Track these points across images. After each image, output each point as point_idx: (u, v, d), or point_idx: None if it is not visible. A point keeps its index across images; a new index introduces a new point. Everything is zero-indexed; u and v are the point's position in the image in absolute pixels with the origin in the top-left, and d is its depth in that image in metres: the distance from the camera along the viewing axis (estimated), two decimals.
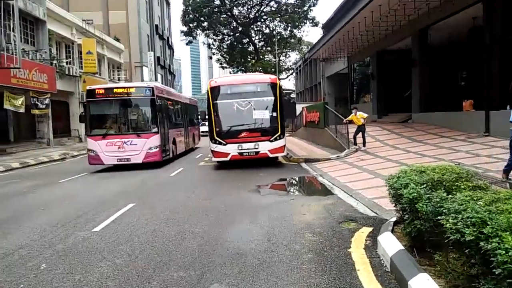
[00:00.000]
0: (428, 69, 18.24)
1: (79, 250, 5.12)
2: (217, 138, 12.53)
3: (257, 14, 45.56)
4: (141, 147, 13.35)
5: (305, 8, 43.77)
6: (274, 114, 12.71)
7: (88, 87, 14.34)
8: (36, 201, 8.83)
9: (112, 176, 12.35)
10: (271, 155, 12.62)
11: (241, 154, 12.47)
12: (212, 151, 12.74)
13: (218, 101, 12.72)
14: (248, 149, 12.44)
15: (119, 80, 38.85)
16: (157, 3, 55.17)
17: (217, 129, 12.62)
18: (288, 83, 70.74)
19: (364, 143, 13.73)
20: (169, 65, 58.74)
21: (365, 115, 14.14)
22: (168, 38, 60.29)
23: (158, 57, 52.31)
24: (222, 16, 45.50)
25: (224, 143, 12.46)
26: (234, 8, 45.25)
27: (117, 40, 39.13)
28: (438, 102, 17.83)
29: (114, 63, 38.13)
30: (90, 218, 6.81)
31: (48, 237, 5.81)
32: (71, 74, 27.08)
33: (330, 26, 25.38)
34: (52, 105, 27.99)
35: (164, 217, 6.60)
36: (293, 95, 56.51)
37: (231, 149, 12.43)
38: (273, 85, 12.88)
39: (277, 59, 46.00)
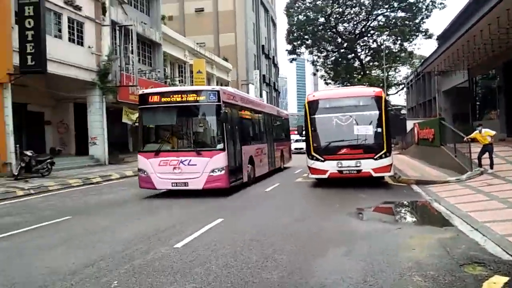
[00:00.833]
0: None
1: (155, 268, 4.76)
2: (315, 154, 11.69)
3: (363, 29, 43.85)
4: (202, 168, 10.15)
5: (417, 21, 40.76)
6: (379, 129, 11.44)
7: (140, 92, 12.01)
8: (134, 210, 9.01)
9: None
10: (375, 175, 11.32)
11: (340, 172, 11.41)
12: (309, 167, 11.93)
13: (316, 116, 11.95)
14: (348, 166, 11.34)
15: None
16: (263, 24, 56.96)
17: (315, 145, 11.79)
18: (399, 98, 66.62)
19: (491, 165, 11.57)
20: (274, 83, 59.78)
21: (493, 133, 11.96)
22: (273, 57, 61.67)
23: (264, 75, 53.60)
24: (327, 33, 44.85)
25: (322, 159, 11.56)
26: (339, 24, 44.28)
27: (226, 60, 41.06)
28: None
29: (222, 81, 39.94)
30: (177, 232, 6.57)
31: (131, 249, 5.62)
32: None
33: (446, 37, 22.92)
34: None
35: (248, 238, 6.00)
36: (403, 111, 52.70)
37: (330, 166, 11.47)
38: (378, 99, 11.67)
39: (385, 73, 43.45)
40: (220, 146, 10.30)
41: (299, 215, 7.79)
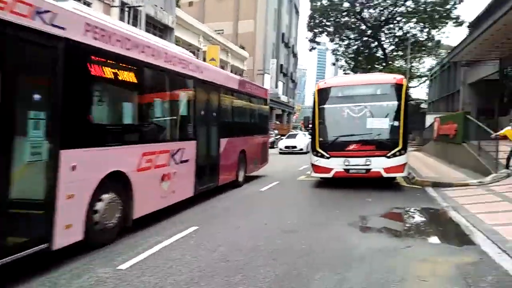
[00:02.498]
0: None
1: None
2: (319, 150, 10.51)
3: (390, 15, 41.57)
4: None
5: (448, 6, 38.21)
6: (396, 123, 10.14)
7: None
8: None
9: None
10: (385, 175, 10.08)
11: (347, 171, 10.22)
12: (312, 164, 10.78)
13: (325, 106, 10.72)
14: (356, 165, 10.13)
15: None
16: (285, 11, 55.18)
17: (320, 139, 10.59)
18: (420, 91, 64.07)
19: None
20: (292, 73, 58.21)
21: None
22: (293, 46, 59.89)
23: (281, 65, 52.10)
24: (350, 20, 42.81)
25: (327, 156, 10.37)
26: (365, 10, 42.12)
27: (242, 48, 39.83)
28: None
29: (237, 70, 38.78)
30: (132, 244, 5.43)
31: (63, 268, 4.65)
32: None
33: (479, 25, 21.09)
34: None
35: (217, 257, 4.96)
36: (423, 105, 50.42)
37: (335, 164, 10.29)
38: (398, 87, 10.34)
39: (408, 64, 41.30)
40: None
41: (291, 224, 6.72)
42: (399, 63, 46.01)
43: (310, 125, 11.32)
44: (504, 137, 10.69)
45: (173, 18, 24.28)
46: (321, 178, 11.15)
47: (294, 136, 27.39)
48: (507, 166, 10.45)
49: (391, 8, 41.00)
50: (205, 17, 42.13)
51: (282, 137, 30.88)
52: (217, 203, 8.52)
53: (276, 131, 36.92)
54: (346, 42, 46.03)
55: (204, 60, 29.57)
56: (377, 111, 10.25)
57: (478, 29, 19.96)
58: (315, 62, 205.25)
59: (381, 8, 41.36)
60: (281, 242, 5.58)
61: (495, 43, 18.89)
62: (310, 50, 46.94)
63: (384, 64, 42.35)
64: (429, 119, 23.79)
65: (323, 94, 10.78)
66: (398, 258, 4.93)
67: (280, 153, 24.61)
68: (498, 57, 22.93)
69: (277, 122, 53.55)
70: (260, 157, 12.70)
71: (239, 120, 11.05)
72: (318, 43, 45.97)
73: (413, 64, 50.13)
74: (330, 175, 10.43)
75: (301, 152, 23.69)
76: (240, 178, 10.76)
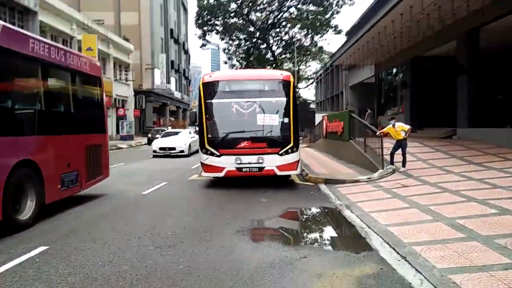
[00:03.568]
0: (478, 78, 14.99)
1: None
2: (209, 148, 9.45)
3: (276, 20, 42.76)
4: None
5: (327, 16, 40.84)
6: (286, 119, 9.60)
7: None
8: None
9: None
10: (279, 173, 9.46)
11: (239, 169, 9.35)
12: (201, 163, 9.68)
13: (212, 101, 9.72)
14: (249, 163, 9.32)
15: (126, 80, 36.52)
16: (173, 8, 53.29)
17: (209, 136, 9.55)
18: (308, 92, 67.77)
19: (404, 163, 10.47)
20: (184, 70, 56.46)
21: (407, 127, 10.85)
22: (184, 43, 58.23)
23: (172, 61, 50.20)
24: (238, 21, 42.90)
25: (218, 154, 9.37)
26: (252, 12, 42.58)
27: (126, 40, 36.94)
28: (492, 116, 14.44)
29: (121, 63, 35.80)
30: None
31: None
32: None
33: (354, 33, 22.53)
34: None
35: None
36: (312, 106, 53.34)
37: (227, 163, 9.34)
38: (286, 84, 9.82)
39: (296, 67, 42.97)
40: None
41: (170, 234, 5.46)
42: (288, 65, 47.71)
43: (197, 122, 10.18)
44: (387, 135, 10.95)
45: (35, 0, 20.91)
46: (213, 177, 10.10)
47: (174, 134, 21.81)
48: (391, 162, 10.68)
49: (277, 13, 42.26)
50: (80, 5, 37.93)
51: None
52: (85, 211, 6.84)
53: (170, 128, 35.09)
54: (236, 42, 46.13)
55: (80, 50, 26.38)
56: (266, 107, 9.61)
57: (354, 37, 21.30)
58: (209, 60, 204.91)
59: (268, 12, 42.36)
60: (153, 263, 4.31)
61: (369, 50, 20.22)
62: (201, 47, 45.97)
63: (274, 65, 43.39)
64: (318, 117, 24.57)
65: (209, 88, 9.76)
66: (293, 274, 4.04)
67: (154, 156, 18.76)
68: (374, 63, 24.77)
69: (172, 119, 51.59)
70: (85, 170, 7.86)
71: (24, 108, 6.44)
72: (208, 41, 45.19)
73: (300, 67, 52.54)
74: (221, 174, 9.44)
75: (182, 155, 18.55)
76: (23, 215, 5.85)
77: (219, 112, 9.77)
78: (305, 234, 5.98)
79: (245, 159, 9.29)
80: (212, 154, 9.39)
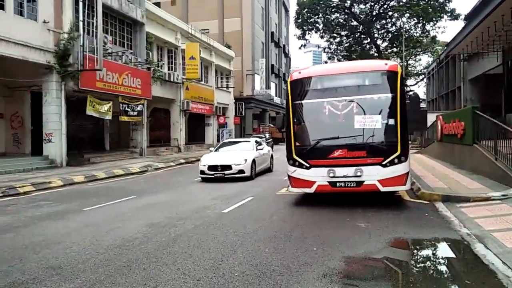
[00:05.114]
0: None
1: None
2: (297, 158, 8.18)
3: (381, 10, 39.56)
4: None
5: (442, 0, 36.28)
6: (392, 121, 7.82)
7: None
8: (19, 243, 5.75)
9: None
10: (383, 189, 7.75)
11: (332, 184, 7.90)
12: (289, 176, 8.45)
13: (300, 102, 8.37)
14: (344, 176, 7.81)
15: (227, 87, 37.16)
16: (274, 10, 53.18)
17: (297, 144, 8.28)
18: (418, 90, 62.13)
19: None
20: (284, 74, 55.96)
21: None
22: (284, 46, 57.76)
23: (272, 65, 50.00)
24: (340, 16, 40.81)
25: (307, 165, 8.05)
26: (355, 5, 40.07)
27: (228, 47, 37.62)
28: None
29: (222, 70, 36.53)
30: None
31: None
32: (172, 80, 25.66)
33: (475, 16, 19.05)
34: (154, 113, 27.26)
35: None
36: (423, 105, 48.44)
37: (318, 176, 7.96)
38: (392, 75, 7.98)
39: (404, 62, 39.23)
40: None
41: (238, 274, 4.34)
42: (395, 60, 44.03)
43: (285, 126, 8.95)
44: None
45: (142, 11, 21.96)
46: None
47: (232, 144, 16.04)
48: None
49: (382, 2, 38.98)
50: (189, 16, 40.13)
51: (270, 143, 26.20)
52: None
53: (267, 134, 34.69)
54: (337, 40, 44.01)
55: (183, 58, 27.33)
56: (366, 106, 7.92)
57: (475, 21, 17.96)
58: (310, 63, 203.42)
59: (372, 2, 39.34)
60: None
61: (496, 33, 16.76)
62: (300, 47, 44.92)
63: None
64: (430, 117, 21.52)
65: (297, 87, 8.43)
66: None
67: (203, 179, 13.18)
68: (501, 48, 20.79)
69: (272, 125, 51.43)
70: None
71: None
72: (307, 40, 43.92)
73: (409, 62, 48.16)
74: (311, 190, 8.09)
75: (241, 177, 12.83)
76: None
77: (309, 115, 8.43)
78: (418, 283, 4.32)
79: (340, 171, 7.80)
80: (300, 165, 8.11)
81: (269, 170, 15.37)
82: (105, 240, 5.92)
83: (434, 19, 36.66)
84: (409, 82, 45.59)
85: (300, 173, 8.12)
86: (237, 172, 12.84)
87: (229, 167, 12.90)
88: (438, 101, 43.40)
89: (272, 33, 50.65)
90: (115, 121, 21.02)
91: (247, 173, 12.98)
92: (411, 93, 8.93)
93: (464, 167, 12.27)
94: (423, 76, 49.81)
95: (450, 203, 7.93)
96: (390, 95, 7.90)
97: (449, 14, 35.96)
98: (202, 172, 13.18)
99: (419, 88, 59.83)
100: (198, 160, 15.44)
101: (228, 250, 5.20)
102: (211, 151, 15.27)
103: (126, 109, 20.31)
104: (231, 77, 37.79)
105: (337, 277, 4.26)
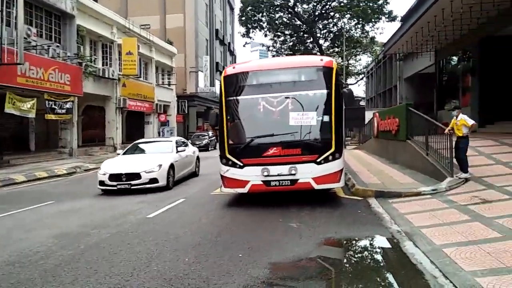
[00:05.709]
0: None
1: None
2: (230, 157, 7.73)
3: (323, 10, 40.32)
4: None
5: (380, 1, 37.70)
6: (327, 118, 7.62)
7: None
8: None
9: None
10: (317, 187, 7.52)
11: (266, 183, 7.54)
12: (222, 176, 7.98)
13: (235, 98, 7.98)
14: (279, 175, 7.48)
15: (169, 85, 35.96)
16: (219, 7, 52.44)
17: (230, 142, 7.84)
18: (358, 89, 64.46)
19: (465, 167, 8.19)
20: None
21: (470, 122, 8.45)
22: (229, 43, 57.25)
23: (217, 63, 49.30)
24: (284, 15, 41.06)
25: (241, 164, 7.63)
26: (298, 5, 40.49)
27: (170, 43, 36.35)
28: None
29: (164, 67, 35.25)
30: None
31: None
32: (107, 76, 24.14)
33: (410, 18, 19.81)
34: (87, 111, 25.56)
35: None
36: (362, 103, 50.19)
37: (252, 175, 7.56)
38: (327, 71, 7.79)
39: (345, 61, 40.31)
40: None
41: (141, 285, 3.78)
42: (336, 60, 45.17)
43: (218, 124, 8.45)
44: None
45: (72, 3, 20.39)
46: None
47: (146, 145, 13.04)
48: (462, 168, 8.37)
49: (324, 2, 39.79)
50: (128, 11, 38.29)
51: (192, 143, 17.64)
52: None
53: (211, 132, 33.89)
54: (282, 38, 44.32)
55: (120, 54, 25.91)
56: (301, 102, 7.66)
57: (410, 22, 18.66)
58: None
59: (315, 3, 40.02)
60: None
61: (429, 33, 17.49)
62: (244, 45, 44.74)
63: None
64: (368, 114, 22.11)
65: (231, 82, 7.99)
66: None
67: (104, 192, 10.18)
68: (434, 48, 21.85)
69: None
70: None
71: None
72: (252, 38, 43.79)
73: (350, 62, 49.66)
74: (245, 190, 7.68)
75: (153, 188, 10.07)
76: None
77: (243, 112, 8.05)
78: None
79: (274, 170, 7.46)
80: (233, 164, 7.67)
81: (194, 174, 13.05)
82: None
83: (373, 20, 38.05)
84: (350, 81, 47.01)
85: (233, 173, 7.68)
86: (148, 181, 10.04)
87: (137, 175, 10.00)
88: (376, 99, 45.20)
89: (217, 30, 49.92)
90: (42, 119, 19.27)
91: (162, 182, 10.22)
92: (345, 89, 8.83)
93: (398, 162, 12.52)
94: (362, 75, 51.65)
95: (383, 198, 7.90)
96: (325, 91, 7.70)
97: (387, 15, 37.53)
98: (101, 183, 10.08)
99: (359, 87, 62.10)
100: None
101: (142, 263, 4.59)
102: (118, 154, 12.44)
103: (53, 106, 18.71)
104: (173, 74, 36.57)
105: (260, 286, 3.84)
